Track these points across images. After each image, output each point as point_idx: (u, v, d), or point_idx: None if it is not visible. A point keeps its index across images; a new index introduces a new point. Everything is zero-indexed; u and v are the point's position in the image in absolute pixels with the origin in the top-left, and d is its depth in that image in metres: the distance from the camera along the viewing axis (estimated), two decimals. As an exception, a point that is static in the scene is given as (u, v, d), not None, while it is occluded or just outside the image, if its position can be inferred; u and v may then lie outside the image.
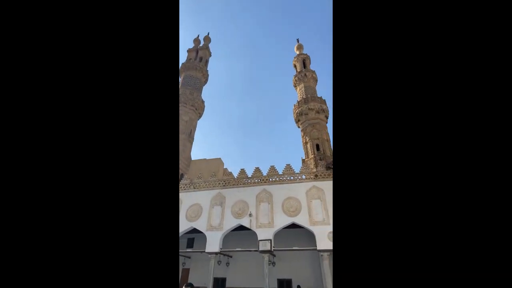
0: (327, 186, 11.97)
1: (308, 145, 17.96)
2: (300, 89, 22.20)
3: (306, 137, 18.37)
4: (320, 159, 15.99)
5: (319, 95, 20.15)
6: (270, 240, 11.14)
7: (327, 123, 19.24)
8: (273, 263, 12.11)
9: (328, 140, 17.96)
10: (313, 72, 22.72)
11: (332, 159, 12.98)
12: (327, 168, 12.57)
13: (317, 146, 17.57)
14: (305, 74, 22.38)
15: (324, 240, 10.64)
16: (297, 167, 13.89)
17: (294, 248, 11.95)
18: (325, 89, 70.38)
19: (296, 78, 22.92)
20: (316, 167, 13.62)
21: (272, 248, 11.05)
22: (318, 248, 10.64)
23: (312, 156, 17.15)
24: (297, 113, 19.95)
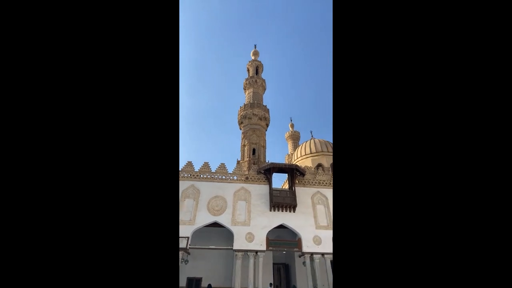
0: (255, 189, 12.60)
1: (246, 148, 18.52)
2: (248, 93, 22.77)
3: (246, 140, 18.91)
4: (254, 163, 16.75)
5: (264, 103, 21.23)
6: (188, 237, 10.71)
7: (266, 130, 20.42)
8: (186, 261, 11.65)
9: (264, 147, 19.04)
10: (263, 80, 23.79)
11: (264, 165, 13.79)
12: (258, 172, 13.25)
13: (254, 150, 18.34)
14: (255, 80, 23.17)
15: (241, 240, 11.07)
16: (230, 167, 14.04)
17: (210, 246, 11.88)
18: (270, 99, 74.92)
19: (247, 81, 23.43)
20: (249, 170, 14.14)
21: (188, 246, 10.64)
22: (234, 248, 10.95)
23: (247, 159, 17.75)
24: (241, 115, 20.33)
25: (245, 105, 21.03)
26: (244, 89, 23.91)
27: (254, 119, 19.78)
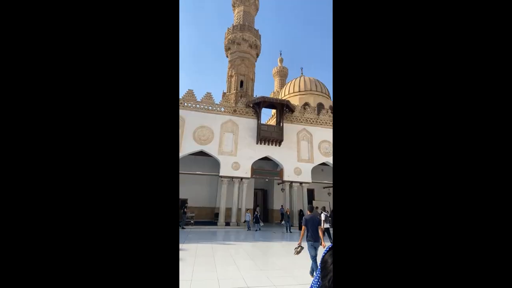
0: (243, 122, 12.39)
1: (233, 79, 17.12)
2: (238, 12, 19.27)
3: (233, 70, 17.25)
4: (241, 96, 15.92)
5: (256, 28, 18.44)
6: (175, 163, 10.87)
7: (256, 61, 18.59)
8: (173, 185, 12.28)
9: (253, 80, 17.77)
10: (257, -3, 19.91)
11: (254, 98, 13.16)
12: (247, 105, 12.73)
13: (242, 82, 17.10)
14: (248, -4, 19.26)
15: (227, 168, 11.62)
16: (216, 98, 13.19)
17: (197, 172, 12.41)
18: (260, 25, 66.08)
19: (237, -4, 19.40)
20: (236, 103, 13.49)
21: (176, 171, 10.94)
22: (220, 174, 11.57)
23: (235, 91, 16.70)
24: (229, 39, 17.74)
25: (233, 26, 18.08)
26: (233, 6, 20.04)
27: (243, 45, 17.49)
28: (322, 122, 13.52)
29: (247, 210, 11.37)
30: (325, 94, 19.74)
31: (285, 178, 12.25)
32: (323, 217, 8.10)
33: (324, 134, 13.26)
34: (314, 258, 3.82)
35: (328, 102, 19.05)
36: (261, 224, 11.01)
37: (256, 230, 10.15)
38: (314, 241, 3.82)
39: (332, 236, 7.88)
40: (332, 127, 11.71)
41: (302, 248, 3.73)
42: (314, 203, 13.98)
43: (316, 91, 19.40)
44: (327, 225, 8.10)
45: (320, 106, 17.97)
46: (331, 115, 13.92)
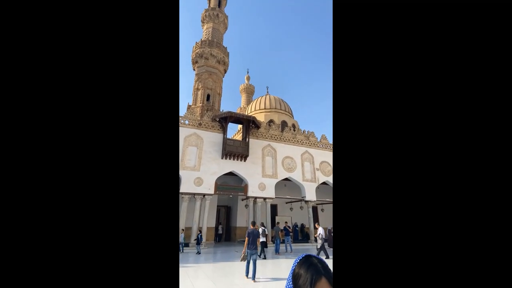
0: (208, 136, 12.13)
1: (200, 93, 16.93)
2: (207, 28, 19.64)
3: (200, 84, 17.11)
4: (208, 110, 15.74)
5: (224, 45, 18.96)
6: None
7: (224, 77, 18.86)
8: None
9: (220, 95, 17.85)
10: (226, 17, 20.74)
11: (221, 113, 13.13)
12: (213, 120, 12.60)
13: (208, 96, 17.00)
14: (217, 14, 19.93)
15: (189, 184, 11.03)
16: (181, 111, 12.77)
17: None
18: (227, 42, 68.10)
19: (207, 14, 19.91)
20: (202, 116, 13.25)
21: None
22: (181, 191, 10.87)
23: (201, 104, 16.45)
24: (197, 53, 17.76)
25: (202, 41, 18.26)
26: (202, 22, 20.40)
27: (211, 60, 17.68)
28: (286, 139, 14.15)
29: (182, 230, 9.86)
30: (288, 112, 20.95)
31: (250, 193, 12.17)
32: (260, 231, 8.74)
33: (287, 151, 13.84)
34: (253, 262, 4.95)
35: (291, 121, 20.19)
36: (202, 246, 9.69)
37: (198, 253, 9.13)
38: (253, 249, 5.05)
39: (264, 249, 8.31)
40: (294, 144, 12.20)
41: (246, 255, 4.84)
42: (277, 218, 14.13)
43: (280, 109, 20.45)
44: (263, 239, 8.53)
45: (283, 124, 18.90)
46: (294, 132, 14.72)
